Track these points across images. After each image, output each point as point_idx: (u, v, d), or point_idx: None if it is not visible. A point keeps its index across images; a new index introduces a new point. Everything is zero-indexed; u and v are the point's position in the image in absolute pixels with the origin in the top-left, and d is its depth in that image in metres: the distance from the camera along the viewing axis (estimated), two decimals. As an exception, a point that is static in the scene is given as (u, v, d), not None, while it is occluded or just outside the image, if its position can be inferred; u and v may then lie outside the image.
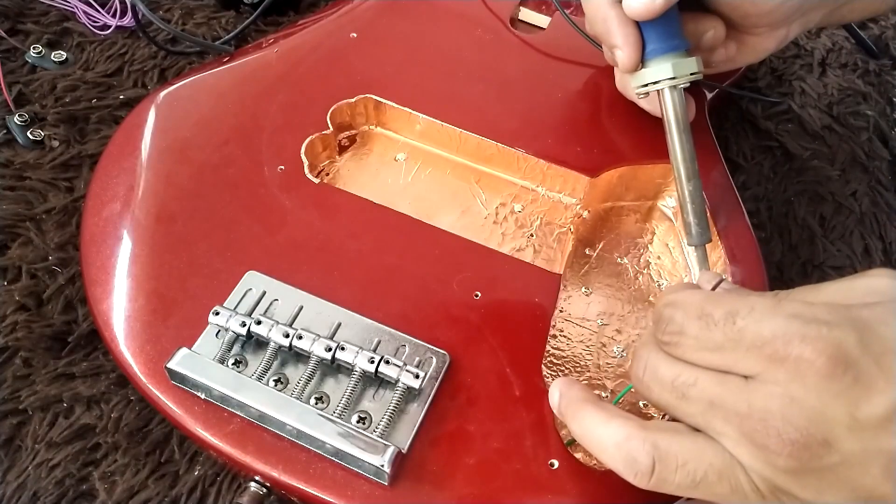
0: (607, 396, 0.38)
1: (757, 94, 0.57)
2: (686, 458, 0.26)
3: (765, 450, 0.25)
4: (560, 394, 0.31)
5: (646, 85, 0.38)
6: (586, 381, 0.39)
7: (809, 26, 0.45)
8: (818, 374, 0.24)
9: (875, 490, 0.24)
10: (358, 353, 0.33)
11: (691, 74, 0.37)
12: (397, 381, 0.32)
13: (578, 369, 0.39)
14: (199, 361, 0.32)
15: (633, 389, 0.30)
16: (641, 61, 0.38)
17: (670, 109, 0.38)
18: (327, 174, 0.45)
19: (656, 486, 0.27)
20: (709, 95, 0.50)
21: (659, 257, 0.45)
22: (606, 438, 0.28)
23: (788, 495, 0.25)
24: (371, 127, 0.48)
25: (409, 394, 0.33)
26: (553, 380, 0.32)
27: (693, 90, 0.49)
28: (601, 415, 0.29)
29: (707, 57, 0.42)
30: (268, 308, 0.35)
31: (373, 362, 0.33)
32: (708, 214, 0.39)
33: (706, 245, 0.38)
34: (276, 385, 0.33)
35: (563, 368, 0.39)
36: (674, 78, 0.37)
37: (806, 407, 0.24)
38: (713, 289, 0.31)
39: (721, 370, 0.26)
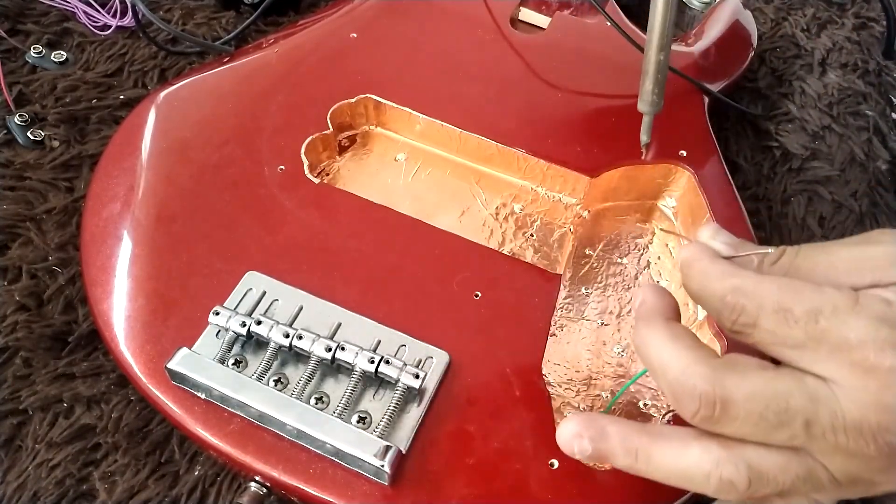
0: (607, 397, 0.38)
1: (744, 108, 0.57)
2: (776, 472, 0.25)
3: (860, 457, 0.24)
4: (615, 439, 0.27)
5: None
6: (586, 382, 0.39)
7: None
8: None
9: None
10: (358, 353, 0.33)
11: None
12: (397, 381, 0.32)
13: (578, 369, 0.39)
14: (199, 361, 0.32)
15: (631, 388, 0.29)
16: None
17: None
18: (327, 174, 0.45)
19: (745, 498, 0.26)
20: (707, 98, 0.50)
21: (659, 257, 0.45)
22: (693, 468, 0.26)
23: (868, 482, 0.25)
24: (371, 127, 0.48)
25: (409, 394, 0.33)
26: (550, 379, 0.32)
27: (693, 91, 0.50)
28: (675, 445, 0.26)
29: None
30: (268, 308, 0.35)
31: (373, 362, 0.33)
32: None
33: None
34: (276, 385, 0.33)
35: (563, 368, 0.39)
36: None
37: None
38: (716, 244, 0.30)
39: (798, 367, 0.25)
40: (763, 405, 0.24)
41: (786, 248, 0.28)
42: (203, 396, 0.33)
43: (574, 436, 0.28)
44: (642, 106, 0.40)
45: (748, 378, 0.25)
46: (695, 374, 0.25)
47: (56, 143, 0.47)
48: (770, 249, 0.28)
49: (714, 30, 0.55)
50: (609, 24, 0.50)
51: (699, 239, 0.30)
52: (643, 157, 0.41)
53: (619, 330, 0.41)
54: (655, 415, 0.38)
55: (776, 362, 0.26)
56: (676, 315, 0.29)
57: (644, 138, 0.39)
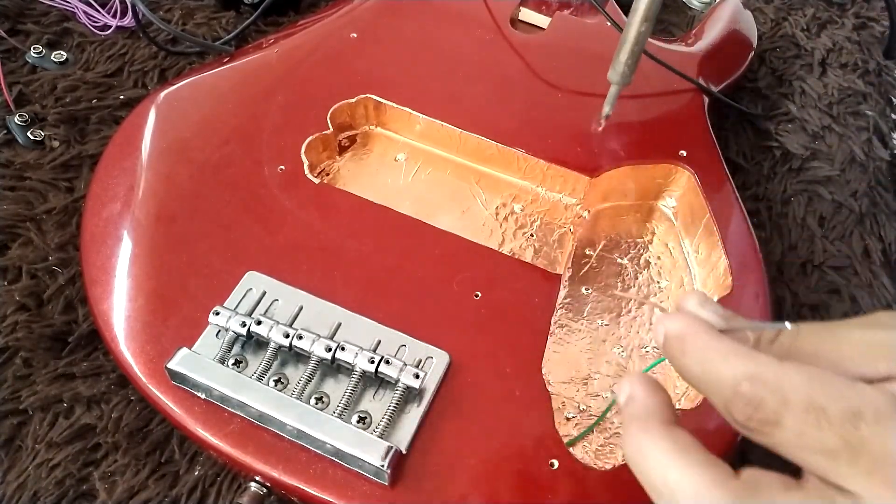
0: (607, 397, 0.38)
1: (744, 108, 0.57)
2: None
3: None
4: None
5: None
6: (586, 381, 0.39)
7: None
8: None
9: None
10: (358, 353, 0.33)
11: None
12: (397, 381, 0.32)
13: (578, 369, 0.39)
14: (199, 361, 0.32)
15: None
16: None
17: None
18: (327, 174, 0.45)
19: None
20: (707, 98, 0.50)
21: (659, 257, 0.45)
22: None
23: None
24: (371, 127, 0.48)
25: (409, 394, 0.33)
26: (550, 378, 0.32)
27: (693, 91, 0.50)
28: None
29: None
30: (268, 308, 0.35)
31: (373, 362, 0.33)
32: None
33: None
34: (276, 385, 0.33)
35: (563, 367, 0.39)
36: None
37: None
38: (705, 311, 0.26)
39: (823, 477, 0.21)
40: None
41: (785, 325, 0.24)
42: (203, 396, 0.33)
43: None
44: (612, 75, 0.39)
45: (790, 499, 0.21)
46: (712, 501, 0.21)
47: (56, 143, 0.47)
48: (766, 325, 0.24)
49: (714, 30, 0.55)
50: (609, 24, 0.50)
51: (685, 307, 0.25)
52: (598, 129, 0.39)
53: (618, 330, 0.41)
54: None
55: (796, 468, 0.22)
56: (674, 415, 0.24)
57: (606, 109, 0.38)
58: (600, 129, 0.38)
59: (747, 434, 0.22)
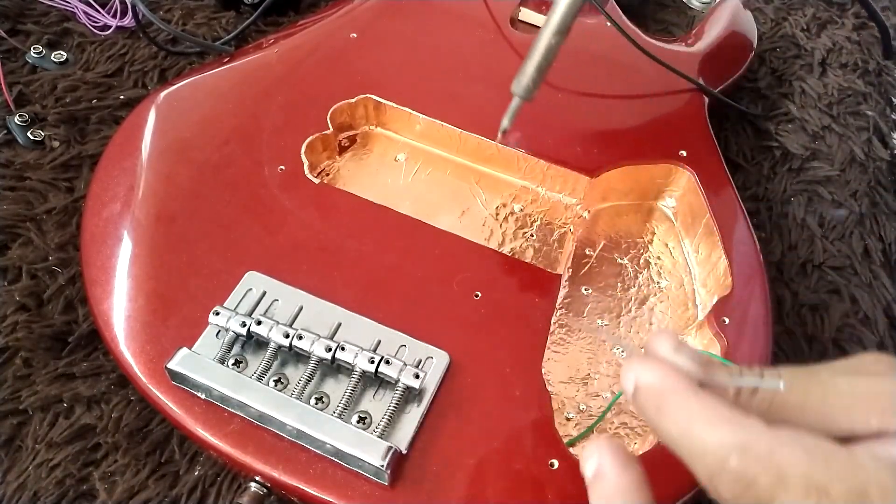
0: (607, 397, 0.38)
1: (744, 108, 0.57)
2: None
3: None
4: None
5: None
6: (585, 381, 0.39)
7: None
8: None
9: None
10: (358, 353, 0.33)
11: None
12: (397, 381, 0.32)
13: (578, 369, 0.39)
14: (199, 361, 0.32)
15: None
16: None
17: None
18: (327, 174, 0.45)
19: None
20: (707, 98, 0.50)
21: (659, 257, 0.45)
22: None
23: None
24: (371, 127, 0.48)
25: (409, 394, 0.33)
26: (550, 378, 0.32)
27: (693, 91, 0.50)
28: None
29: None
30: (268, 308, 0.35)
31: (373, 362, 0.33)
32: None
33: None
34: (276, 385, 0.33)
35: (563, 367, 0.39)
36: None
37: None
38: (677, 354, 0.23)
39: None
40: None
41: (778, 385, 0.21)
42: (203, 396, 0.33)
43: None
44: (516, 87, 0.36)
45: None
46: None
47: (56, 144, 0.47)
48: (745, 375, 0.22)
49: (714, 30, 0.55)
50: (609, 24, 0.50)
51: (657, 352, 0.22)
52: (497, 142, 0.36)
53: (618, 330, 0.41)
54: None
55: None
56: (646, 495, 0.22)
57: (505, 123, 0.35)
58: (498, 142, 0.36)
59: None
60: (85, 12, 0.54)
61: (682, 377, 0.21)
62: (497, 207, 0.45)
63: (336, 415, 0.32)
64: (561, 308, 0.41)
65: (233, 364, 0.33)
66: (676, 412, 0.20)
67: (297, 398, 0.32)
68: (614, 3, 0.55)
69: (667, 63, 0.49)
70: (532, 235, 0.44)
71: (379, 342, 0.35)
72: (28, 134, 0.46)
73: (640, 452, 0.34)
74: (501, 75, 0.48)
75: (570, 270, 0.43)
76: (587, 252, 0.44)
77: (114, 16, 0.54)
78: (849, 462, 0.19)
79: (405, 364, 0.33)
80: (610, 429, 0.37)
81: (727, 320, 0.37)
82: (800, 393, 0.21)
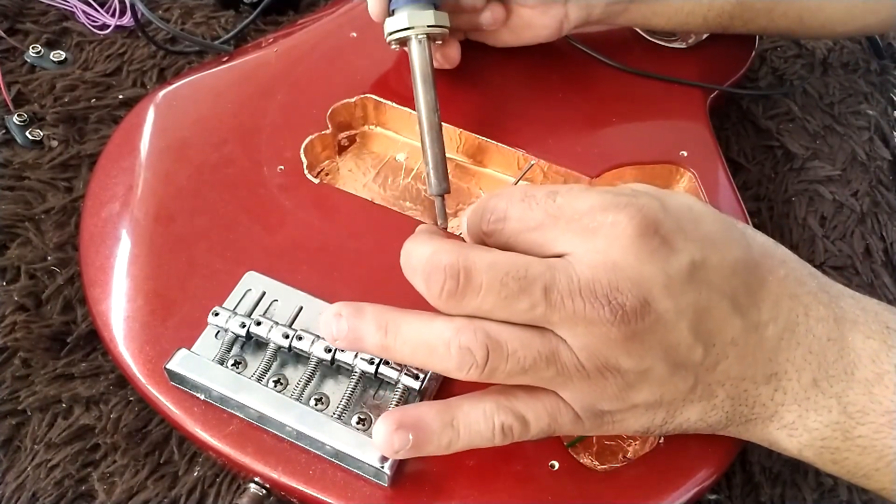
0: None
1: (757, 91, 0.57)
2: (516, 346, 0.26)
3: (598, 324, 0.25)
4: (370, 314, 0.28)
5: (392, 34, 0.40)
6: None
7: (593, 15, 0.46)
8: (632, 237, 0.26)
9: (682, 345, 0.27)
10: (358, 353, 0.33)
11: (429, 27, 0.39)
12: (397, 381, 0.32)
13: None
14: (198, 362, 0.32)
15: None
16: (390, 11, 0.40)
17: (414, 60, 0.39)
18: (327, 174, 0.45)
19: (487, 377, 0.26)
20: (709, 96, 0.50)
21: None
22: (435, 338, 0.26)
23: (613, 370, 0.26)
24: (371, 127, 0.48)
25: (409, 395, 0.33)
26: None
27: (694, 91, 0.49)
28: (421, 318, 0.27)
29: (474, 19, 0.45)
30: (267, 309, 0.35)
31: (373, 363, 0.33)
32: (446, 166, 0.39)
33: (444, 197, 0.39)
34: (275, 386, 0.33)
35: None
36: (411, 28, 0.39)
37: (627, 269, 0.26)
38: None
39: (544, 253, 0.27)
40: (504, 272, 0.25)
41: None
42: (202, 397, 0.33)
43: (335, 313, 0.29)
44: (431, 191, 0.39)
45: (491, 252, 0.27)
46: (443, 250, 0.26)
47: (55, 143, 0.47)
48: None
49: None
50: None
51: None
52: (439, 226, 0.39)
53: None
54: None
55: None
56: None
57: (440, 222, 0.39)
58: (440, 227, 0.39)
59: (491, 241, 0.28)
60: (84, 11, 0.54)
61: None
62: (497, 207, 0.45)
63: (336, 416, 0.32)
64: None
65: (232, 365, 0.33)
66: (469, 213, 0.30)
67: (297, 399, 0.32)
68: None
69: (666, 77, 0.49)
70: (532, 235, 0.44)
71: (379, 343, 0.34)
72: (27, 133, 0.46)
73: (641, 454, 0.34)
74: (501, 75, 0.48)
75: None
76: (587, 252, 0.44)
77: (112, 15, 0.54)
78: (554, 185, 0.28)
79: (405, 365, 0.33)
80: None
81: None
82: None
